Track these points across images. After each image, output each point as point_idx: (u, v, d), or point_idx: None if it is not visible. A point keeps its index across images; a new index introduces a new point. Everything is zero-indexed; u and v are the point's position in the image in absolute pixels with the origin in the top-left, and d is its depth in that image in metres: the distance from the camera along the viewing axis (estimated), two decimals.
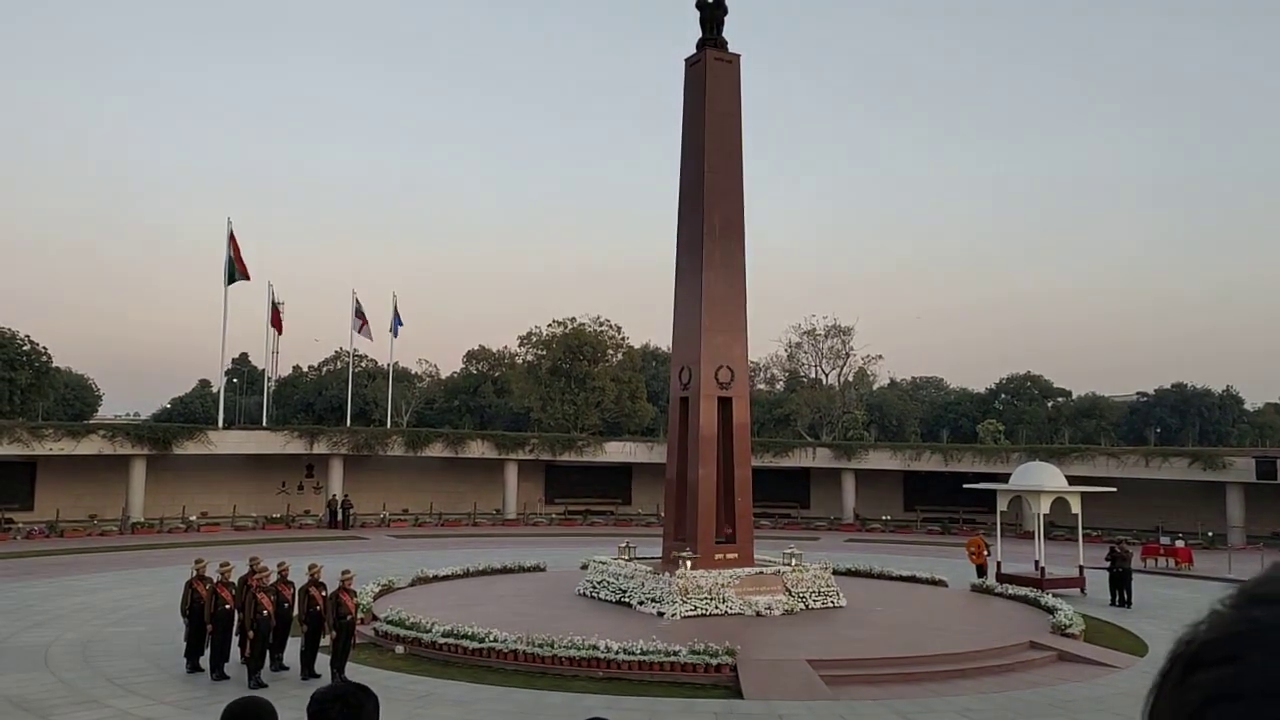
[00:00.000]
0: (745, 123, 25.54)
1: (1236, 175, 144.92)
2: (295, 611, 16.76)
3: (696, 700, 15.15)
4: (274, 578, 16.71)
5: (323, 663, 16.16)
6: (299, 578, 17.17)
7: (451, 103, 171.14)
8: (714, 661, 16.39)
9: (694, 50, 25.63)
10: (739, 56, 25.60)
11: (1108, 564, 26.48)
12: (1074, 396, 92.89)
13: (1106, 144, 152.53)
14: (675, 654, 16.51)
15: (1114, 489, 33.81)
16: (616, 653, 16.63)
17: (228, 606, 16.34)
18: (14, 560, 31.80)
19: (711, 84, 24.88)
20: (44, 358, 63.85)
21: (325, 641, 16.30)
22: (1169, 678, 0.63)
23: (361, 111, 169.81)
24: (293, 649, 16.58)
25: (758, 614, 21.45)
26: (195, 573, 17.01)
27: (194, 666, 16.37)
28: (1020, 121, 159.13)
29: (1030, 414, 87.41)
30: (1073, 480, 31.09)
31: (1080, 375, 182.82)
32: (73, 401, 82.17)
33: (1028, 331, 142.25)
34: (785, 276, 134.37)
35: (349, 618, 16.29)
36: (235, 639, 16.24)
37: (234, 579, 16.98)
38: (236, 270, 46.70)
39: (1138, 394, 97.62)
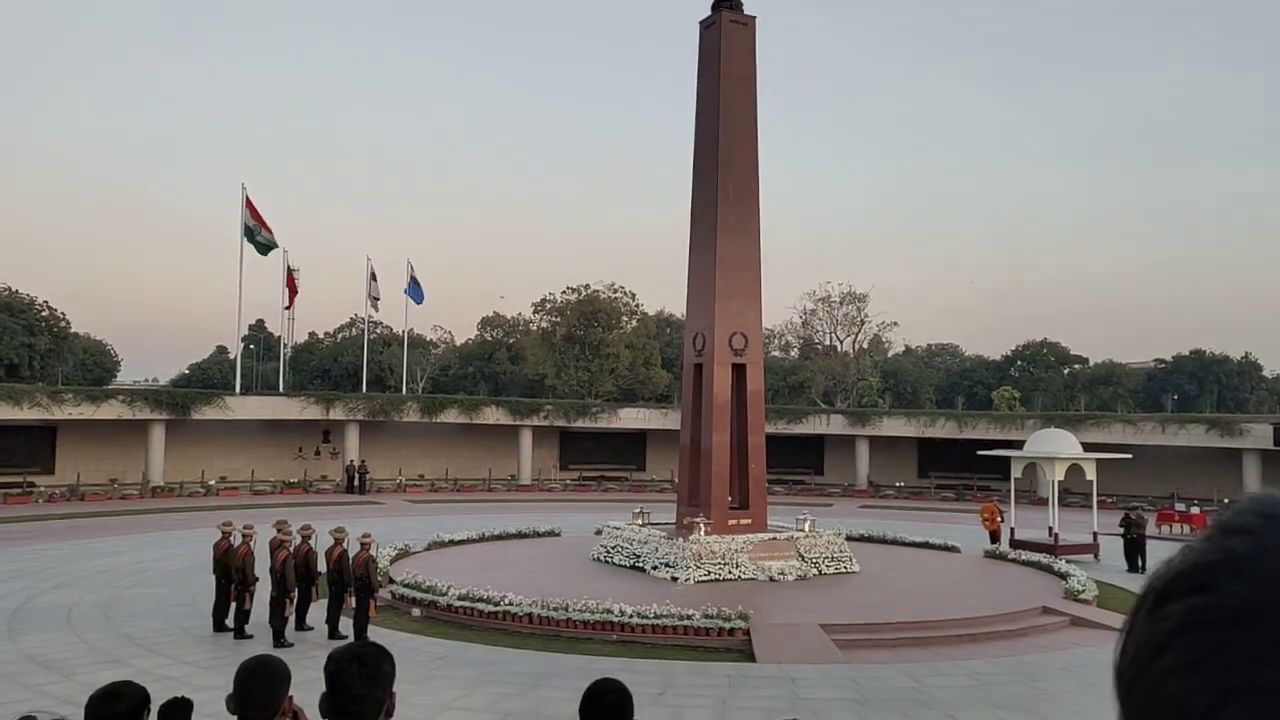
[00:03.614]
0: (762, 84, 25.30)
1: (1256, 135, 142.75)
2: (324, 573, 17.00)
3: (710, 663, 15.29)
4: (298, 540, 16.94)
5: (346, 625, 16.46)
6: (323, 542, 17.37)
7: (466, 69, 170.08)
8: (727, 625, 16.52)
9: (709, 12, 25.34)
10: (754, 19, 25.28)
11: (1122, 530, 26.50)
12: (1091, 363, 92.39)
13: (1121, 104, 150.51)
14: (689, 618, 16.64)
15: (1129, 455, 33.72)
16: (630, 617, 16.78)
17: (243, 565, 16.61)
18: (36, 523, 32.28)
19: (726, 46, 24.60)
20: (62, 323, 64.28)
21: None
22: (1140, 611, 0.62)
23: (375, 78, 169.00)
24: (312, 610, 16.87)
25: (771, 579, 21.58)
26: (222, 534, 17.29)
27: (219, 626, 16.67)
28: (1034, 78, 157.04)
29: (1046, 381, 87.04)
30: (1088, 447, 31.02)
31: (1098, 342, 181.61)
32: (91, 367, 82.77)
33: (1045, 298, 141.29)
34: (800, 243, 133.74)
35: (370, 580, 16.56)
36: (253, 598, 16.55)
37: (254, 543, 17.24)
38: (261, 234, 46.81)
39: (1156, 361, 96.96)
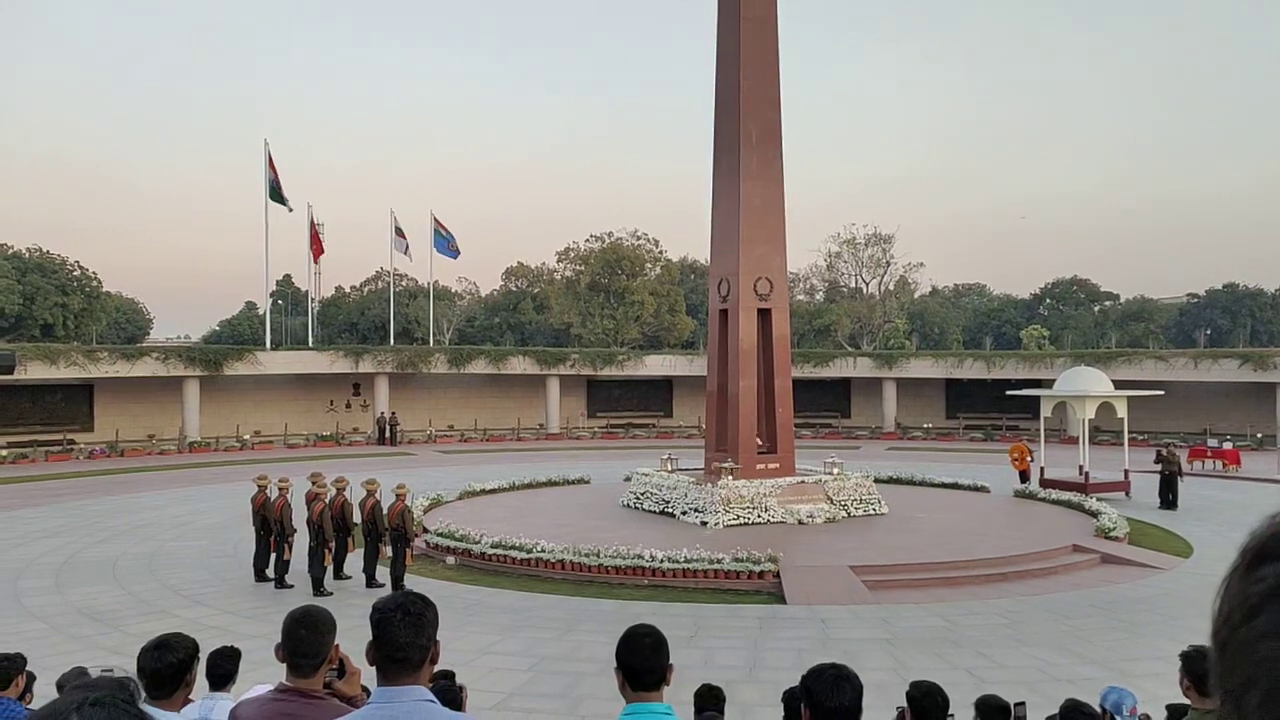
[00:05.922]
0: (781, 26, 24.82)
1: None
2: (359, 524, 17.28)
3: (741, 606, 15.47)
4: (332, 492, 17.22)
5: (383, 574, 16.80)
6: (356, 494, 17.64)
7: (487, 18, 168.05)
8: (757, 568, 16.68)
9: None
10: None
11: (1158, 467, 26.40)
12: (1122, 300, 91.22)
13: (1150, 41, 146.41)
14: (719, 562, 16.82)
15: (1161, 392, 33.44)
16: (661, 562, 16.98)
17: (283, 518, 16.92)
18: (78, 479, 32.97)
19: None
20: (94, 282, 65.02)
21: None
22: (1236, 569, 0.61)
23: (396, 29, 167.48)
24: (349, 559, 17.21)
25: (800, 522, 21.72)
26: (258, 487, 17.60)
27: (260, 576, 17.06)
28: (1056, 16, 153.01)
29: (1076, 319, 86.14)
30: (1119, 385, 30.75)
31: (1129, 278, 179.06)
32: (124, 325, 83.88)
33: (1074, 235, 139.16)
34: (825, 185, 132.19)
35: (406, 530, 16.85)
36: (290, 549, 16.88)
37: (291, 496, 17.53)
38: (280, 194, 46.98)
39: (1188, 295, 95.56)
